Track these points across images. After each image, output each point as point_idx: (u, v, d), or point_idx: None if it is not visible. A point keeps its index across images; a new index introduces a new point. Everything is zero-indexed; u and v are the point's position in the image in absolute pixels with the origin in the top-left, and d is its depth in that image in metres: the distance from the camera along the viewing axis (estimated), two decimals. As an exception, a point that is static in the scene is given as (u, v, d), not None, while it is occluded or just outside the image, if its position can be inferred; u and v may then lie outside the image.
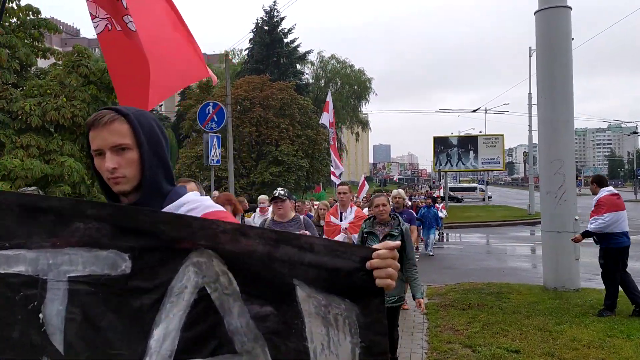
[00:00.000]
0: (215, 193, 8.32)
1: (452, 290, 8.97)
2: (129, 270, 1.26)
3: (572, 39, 9.02)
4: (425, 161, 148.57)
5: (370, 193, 23.72)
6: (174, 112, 55.30)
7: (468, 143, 44.17)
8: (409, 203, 19.35)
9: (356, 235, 5.60)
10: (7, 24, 10.53)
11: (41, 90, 9.57)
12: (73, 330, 1.25)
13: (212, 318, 1.25)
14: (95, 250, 1.27)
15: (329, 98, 14.08)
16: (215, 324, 1.24)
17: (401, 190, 8.70)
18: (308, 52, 46.01)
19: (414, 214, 7.98)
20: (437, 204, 18.01)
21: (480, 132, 49.43)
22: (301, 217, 5.34)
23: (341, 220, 6.11)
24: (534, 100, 15.09)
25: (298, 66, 45.33)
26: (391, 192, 10.39)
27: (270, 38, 42.37)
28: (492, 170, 53.71)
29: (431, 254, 14.54)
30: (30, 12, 10.88)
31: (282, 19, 43.38)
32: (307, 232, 4.80)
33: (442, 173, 45.69)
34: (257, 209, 9.17)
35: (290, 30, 43.79)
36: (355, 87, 50.02)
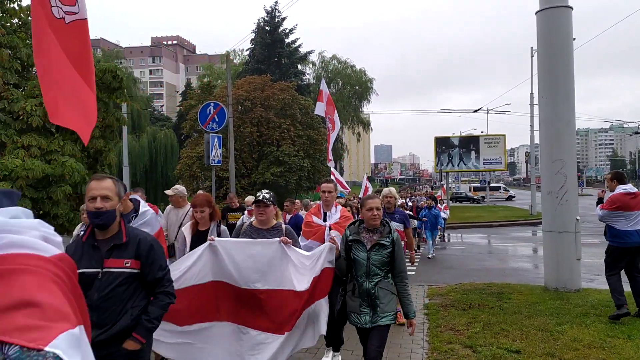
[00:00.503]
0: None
1: (453, 290, 8.95)
2: None
3: (574, 38, 9.00)
4: (427, 161, 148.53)
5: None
6: (176, 112, 55.35)
7: (469, 143, 44.10)
8: (409, 204, 19.17)
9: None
10: (8, 24, 10.54)
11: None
12: None
13: None
14: None
15: (323, 87, 13.13)
16: None
17: (392, 189, 7.66)
18: (309, 52, 46.02)
19: (407, 214, 7.54)
20: (438, 205, 17.84)
21: (482, 132, 49.38)
22: (283, 225, 4.77)
23: (325, 221, 5.57)
24: (536, 100, 15.05)
25: (299, 66, 45.31)
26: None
27: (271, 38, 42.36)
28: (493, 171, 53.63)
29: (430, 256, 14.42)
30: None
31: (283, 19, 43.38)
32: (289, 240, 4.48)
33: (443, 173, 45.61)
34: (246, 211, 9.08)
35: (291, 31, 43.79)
36: (357, 87, 50.02)
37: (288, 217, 9.00)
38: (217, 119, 13.43)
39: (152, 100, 65.50)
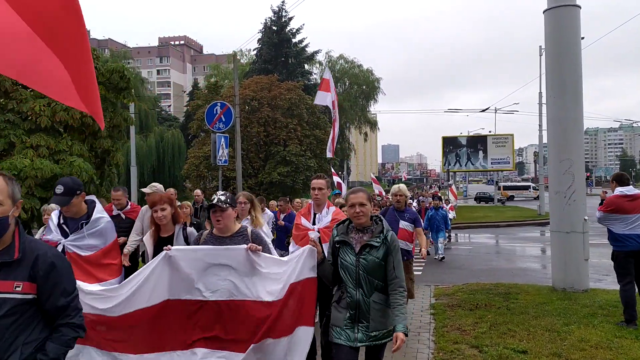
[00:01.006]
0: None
1: (460, 290, 8.92)
2: None
3: (582, 37, 8.95)
4: (434, 161, 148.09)
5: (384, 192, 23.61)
6: (183, 112, 55.56)
7: (477, 143, 44.00)
8: (416, 205, 18.32)
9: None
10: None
11: (51, 90, 9.67)
12: None
13: None
14: None
15: (328, 75, 11.99)
16: None
17: (402, 186, 7.01)
18: (316, 52, 46.09)
19: (417, 213, 6.96)
20: (444, 205, 17.48)
21: (490, 132, 49.19)
22: (249, 228, 4.10)
23: (314, 224, 4.88)
24: (544, 100, 14.95)
25: (306, 66, 45.38)
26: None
27: (278, 38, 42.45)
28: (501, 170, 53.41)
29: (440, 258, 13.99)
30: (40, 14, 10.99)
31: (290, 19, 43.47)
32: (258, 247, 3.82)
33: (451, 173, 45.50)
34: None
35: (298, 30, 43.87)
36: (364, 87, 49.98)
37: (282, 216, 9.03)
38: (223, 119, 13.45)
39: (160, 100, 65.79)
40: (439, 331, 6.42)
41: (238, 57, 40.77)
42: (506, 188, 55.76)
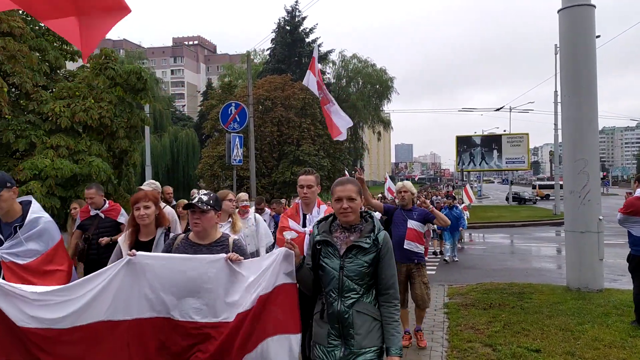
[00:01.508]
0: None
1: (474, 290, 8.95)
2: None
3: (598, 36, 8.93)
4: (448, 160, 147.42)
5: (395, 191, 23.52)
6: (197, 112, 55.97)
7: (492, 142, 43.77)
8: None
9: None
10: (37, 27, 10.86)
11: (70, 92, 9.86)
12: None
13: None
14: None
15: (315, 53, 10.82)
16: None
17: (407, 182, 6.45)
18: (329, 51, 46.14)
19: (429, 213, 6.12)
20: (458, 204, 17.19)
21: (505, 131, 48.83)
22: (232, 237, 3.48)
23: (304, 226, 4.32)
24: (560, 99, 14.82)
25: (320, 66, 45.39)
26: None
27: (291, 38, 42.58)
28: (516, 170, 53.02)
29: (456, 259, 13.79)
30: (59, 16, 11.21)
31: (303, 18, 43.56)
32: (240, 257, 3.17)
33: (464, 173, 45.28)
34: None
35: (311, 30, 43.94)
36: (377, 86, 49.88)
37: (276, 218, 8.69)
38: (238, 119, 13.58)
39: (174, 100, 66.33)
40: (452, 330, 6.46)
41: (251, 57, 40.99)
42: (542, 187, 54.99)
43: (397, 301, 2.89)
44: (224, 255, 3.15)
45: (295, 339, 3.16)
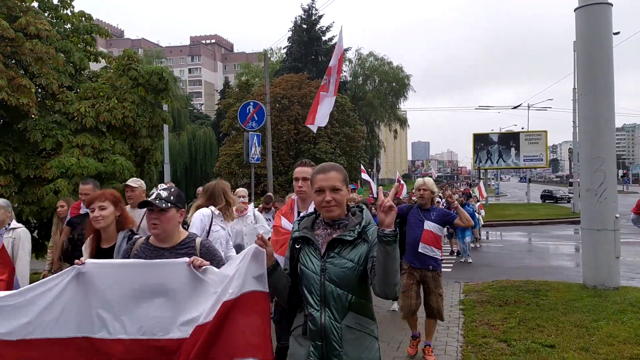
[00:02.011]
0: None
1: (489, 287, 9.03)
2: None
3: (618, 32, 8.94)
4: (465, 158, 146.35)
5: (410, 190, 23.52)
6: (214, 110, 56.48)
7: (509, 140, 43.45)
8: (444, 204, 15.70)
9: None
10: (62, 29, 11.16)
11: (94, 92, 10.14)
12: None
13: None
14: None
15: (340, 38, 9.07)
16: None
17: (428, 179, 5.83)
18: (346, 49, 46.21)
19: (449, 213, 5.65)
20: (472, 202, 16.79)
21: (523, 128, 48.42)
22: (199, 238, 2.95)
23: None
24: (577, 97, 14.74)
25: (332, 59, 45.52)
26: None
27: (308, 36, 42.76)
28: (534, 168, 52.53)
29: (470, 260, 13.39)
30: (83, 18, 11.51)
31: (320, 17, 43.74)
32: (205, 262, 2.58)
33: (481, 171, 45.02)
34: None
35: (328, 28, 44.12)
36: (394, 84, 49.90)
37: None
38: (256, 118, 13.78)
39: (192, 99, 66.97)
40: (467, 326, 6.58)
41: (268, 56, 41.25)
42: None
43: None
44: (185, 259, 2.58)
45: None
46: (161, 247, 2.84)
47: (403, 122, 55.22)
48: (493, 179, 77.31)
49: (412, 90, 51.03)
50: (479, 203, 18.54)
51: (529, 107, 43.99)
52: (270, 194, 11.10)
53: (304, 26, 43.33)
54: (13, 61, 9.69)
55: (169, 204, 2.77)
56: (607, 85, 8.52)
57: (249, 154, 13.17)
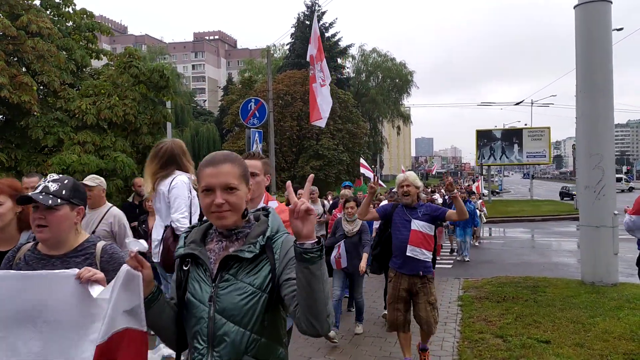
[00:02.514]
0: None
1: (489, 283, 9.06)
2: None
3: (621, 28, 8.92)
4: (469, 154, 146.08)
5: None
6: (217, 106, 56.56)
7: (512, 136, 43.36)
8: (440, 201, 15.13)
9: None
10: (64, 27, 11.24)
11: (96, 90, 10.23)
12: None
13: None
14: None
15: (315, 25, 9.68)
16: None
17: (410, 173, 5.07)
18: (349, 45, 46.24)
19: (438, 208, 5.06)
20: (475, 199, 16.54)
21: (526, 124, 48.32)
22: (100, 244, 2.28)
23: None
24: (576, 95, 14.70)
25: (339, 60, 45.56)
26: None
27: (311, 32, 42.73)
28: (538, 164, 52.41)
29: (467, 259, 12.76)
30: (85, 16, 11.58)
31: (323, 13, 43.69)
32: (98, 274, 1.89)
33: (484, 167, 44.96)
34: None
35: (331, 25, 44.08)
36: (397, 80, 49.82)
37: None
38: (257, 115, 13.81)
39: (195, 95, 67.12)
40: (465, 321, 6.62)
41: (272, 52, 41.23)
42: None
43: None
44: (74, 271, 1.90)
45: None
46: (51, 254, 2.18)
47: (406, 118, 55.15)
48: (498, 174, 77.14)
49: (415, 87, 50.98)
50: (480, 200, 18.42)
51: (532, 103, 43.90)
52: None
53: (307, 22, 43.27)
54: (15, 59, 9.78)
55: (59, 200, 2.11)
56: (606, 82, 8.52)
57: (250, 150, 13.24)
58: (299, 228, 1.57)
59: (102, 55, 11.94)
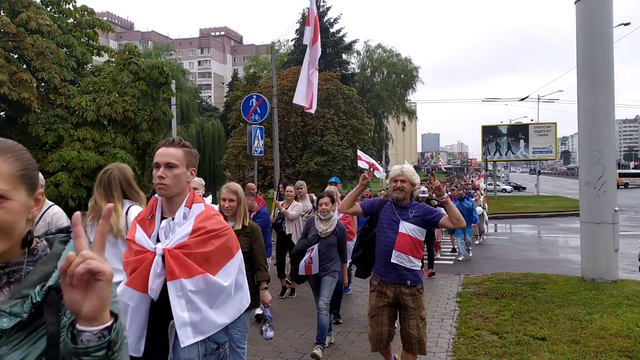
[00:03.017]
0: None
1: (488, 279, 9.02)
2: None
3: (628, 23, 8.82)
4: (475, 150, 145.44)
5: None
6: (223, 102, 56.60)
7: (518, 132, 43.18)
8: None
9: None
10: (64, 24, 11.27)
11: (96, 86, 10.26)
12: None
13: None
14: None
15: (312, 6, 9.56)
16: None
17: (407, 167, 4.31)
18: (354, 41, 46.08)
19: (432, 210, 4.23)
20: (477, 196, 15.95)
21: (532, 120, 48.05)
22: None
23: (158, 240, 2.34)
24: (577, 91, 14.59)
25: (344, 56, 45.42)
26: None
27: (316, 28, 42.60)
28: (544, 160, 52.12)
29: (461, 258, 12.13)
30: (85, 13, 11.60)
31: (328, 8, 43.53)
32: None
33: (489, 163, 44.78)
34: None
35: (336, 20, 43.91)
36: (402, 76, 49.60)
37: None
38: (259, 111, 13.81)
39: (200, 91, 67.19)
40: (462, 318, 6.59)
41: (276, 48, 41.17)
42: (622, 175, 53.79)
43: None
44: None
45: None
46: None
47: (412, 114, 54.92)
48: (505, 169, 76.78)
49: (420, 82, 50.75)
50: (483, 196, 18.28)
51: (538, 98, 43.63)
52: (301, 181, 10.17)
53: (312, 18, 43.18)
54: (15, 56, 9.82)
55: None
56: (607, 78, 8.43)
57: (252, 146, 13.23)
58: (74, 302, 0.93)
59: (103, 52, 11.96)
